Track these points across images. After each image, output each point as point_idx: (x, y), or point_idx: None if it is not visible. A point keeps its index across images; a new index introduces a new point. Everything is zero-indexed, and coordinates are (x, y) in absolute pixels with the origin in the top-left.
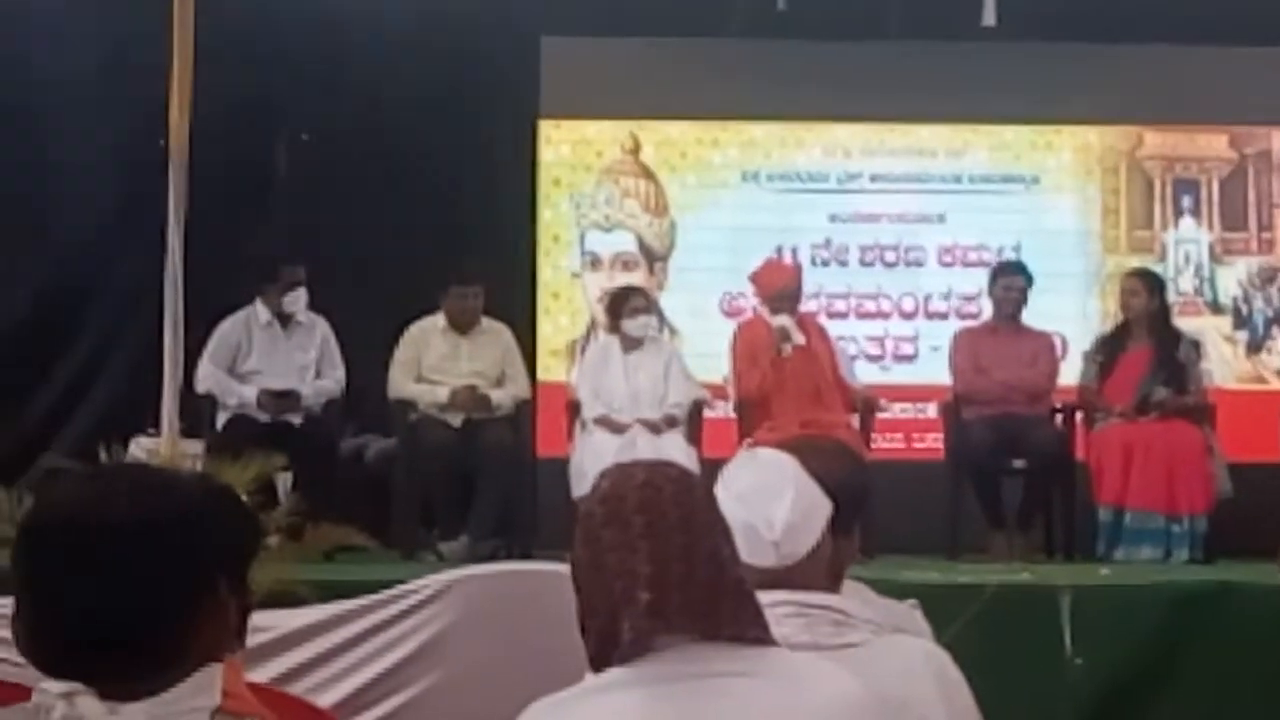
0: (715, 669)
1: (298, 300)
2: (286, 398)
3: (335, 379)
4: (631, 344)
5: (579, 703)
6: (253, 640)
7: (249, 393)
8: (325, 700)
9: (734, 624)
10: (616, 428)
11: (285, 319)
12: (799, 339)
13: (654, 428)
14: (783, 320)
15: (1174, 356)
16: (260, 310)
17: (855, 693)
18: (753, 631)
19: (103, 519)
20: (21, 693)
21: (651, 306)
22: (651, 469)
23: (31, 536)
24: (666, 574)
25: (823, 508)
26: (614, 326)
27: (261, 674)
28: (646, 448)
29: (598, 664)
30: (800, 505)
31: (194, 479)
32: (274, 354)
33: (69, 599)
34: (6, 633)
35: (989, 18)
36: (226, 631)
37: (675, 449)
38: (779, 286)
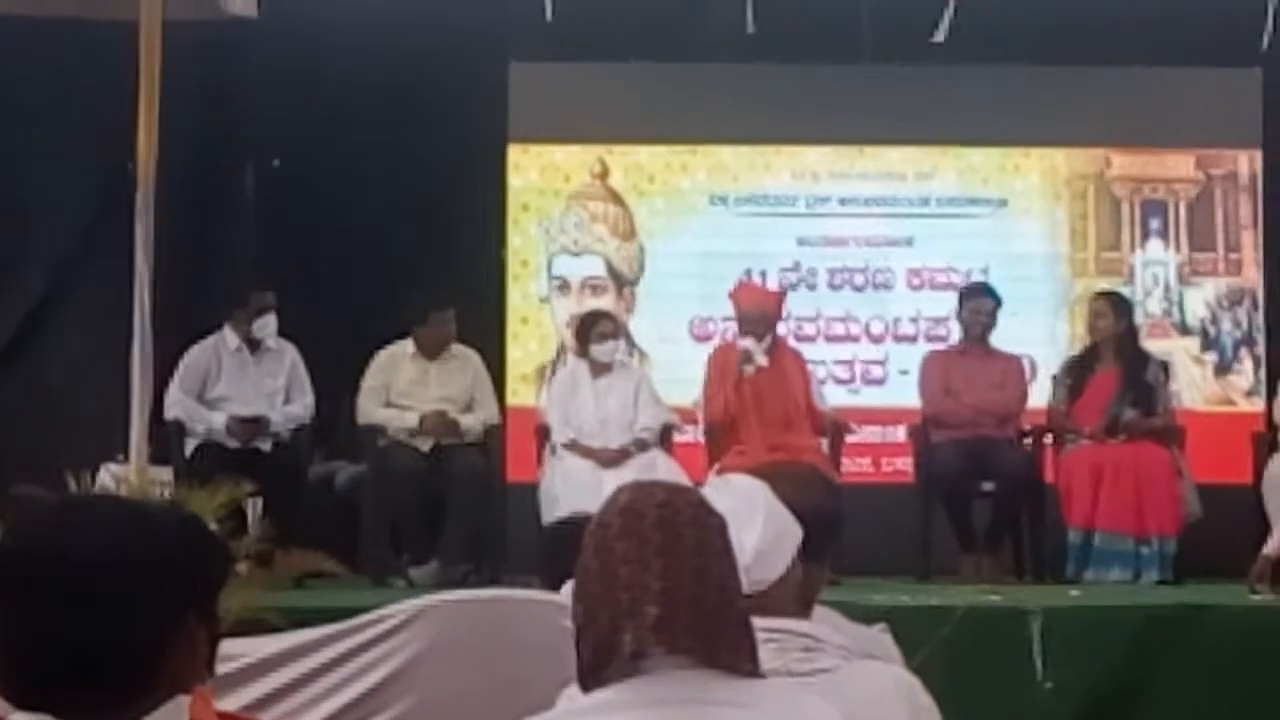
0: (712, 697)
1: (267, 326)
2: (255, 424)
3: (304, 405)
4: (600, 369)
5: None
6: (222, 668)
7: (218, 419)
8: None
9: (732, 654)
10: (588, 452)
11: (254, 345)
12: (761, 361)
13: (624, 453)
14: (747, 343)
15: (1142, 378)
16: (229, 336)
17: None
18: (748, 665)
19: (73, 550)
20: None
21: (619, 331)
22: (672, 490)
23: (0, 566)
24: (677, 593)
25: (793, 534)
26: (582, 351)
27: (232, 701)
28: (616, 472)
29: (588, 677)
30: (770, 531)
31: (164, 508)
32: (243, 380)
33: (38, 630)
34: None
35: (940, 35)
36: (196, 662)
37: (647, 471)
38: (750, 307)
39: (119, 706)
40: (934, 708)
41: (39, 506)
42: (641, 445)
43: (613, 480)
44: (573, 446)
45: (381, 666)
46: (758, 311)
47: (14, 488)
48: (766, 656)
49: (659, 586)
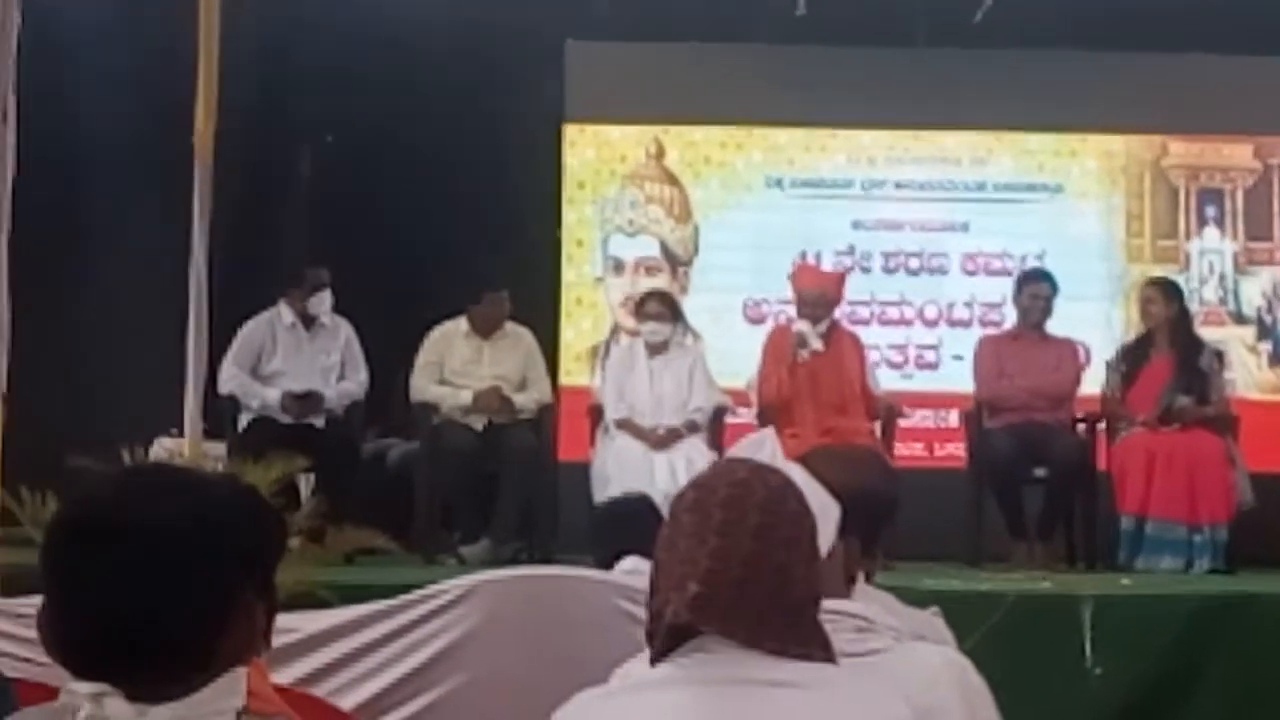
0: (767, 676)
1: (322, 303)
2: (309, 399)
3: (358, 381)
4: (656, 348)
5: (628, 696)
6: (276, 642)
7: (272, 395)
8: (348, 703)
9: (778, 640)
10: (639, 432)
11: (309, 321)
12: (816, 344)
13: (676, 433)
14: (802, 325)
15: (1196, 366)
16: (284, 312)
17: (903, 715)
18: (800, 648)
19: (134, 520)
20: (48, 693)
21: (668, 313)
22: (754, 470)
23: (62, 537)
24: (724, 574)
25: (830, 512)
26: (636, 329)
27: (284, 675)
28: (667, 454)
29: (648, 640)
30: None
31: (222, 480)
32: (297, 356)
33: (99, 600)
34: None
35: (978, 16)
36: (254, 634)
37: (697, 455)
38: (810, 289)
39: (177, 677)
40: (985, 689)
41: (100, 478)
42: (692, 427)
43: (663, 461)
44: (625, 425)
45: (433, 642)
46: (817, 293)
47: (69, 460)
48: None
49: (707, 565)
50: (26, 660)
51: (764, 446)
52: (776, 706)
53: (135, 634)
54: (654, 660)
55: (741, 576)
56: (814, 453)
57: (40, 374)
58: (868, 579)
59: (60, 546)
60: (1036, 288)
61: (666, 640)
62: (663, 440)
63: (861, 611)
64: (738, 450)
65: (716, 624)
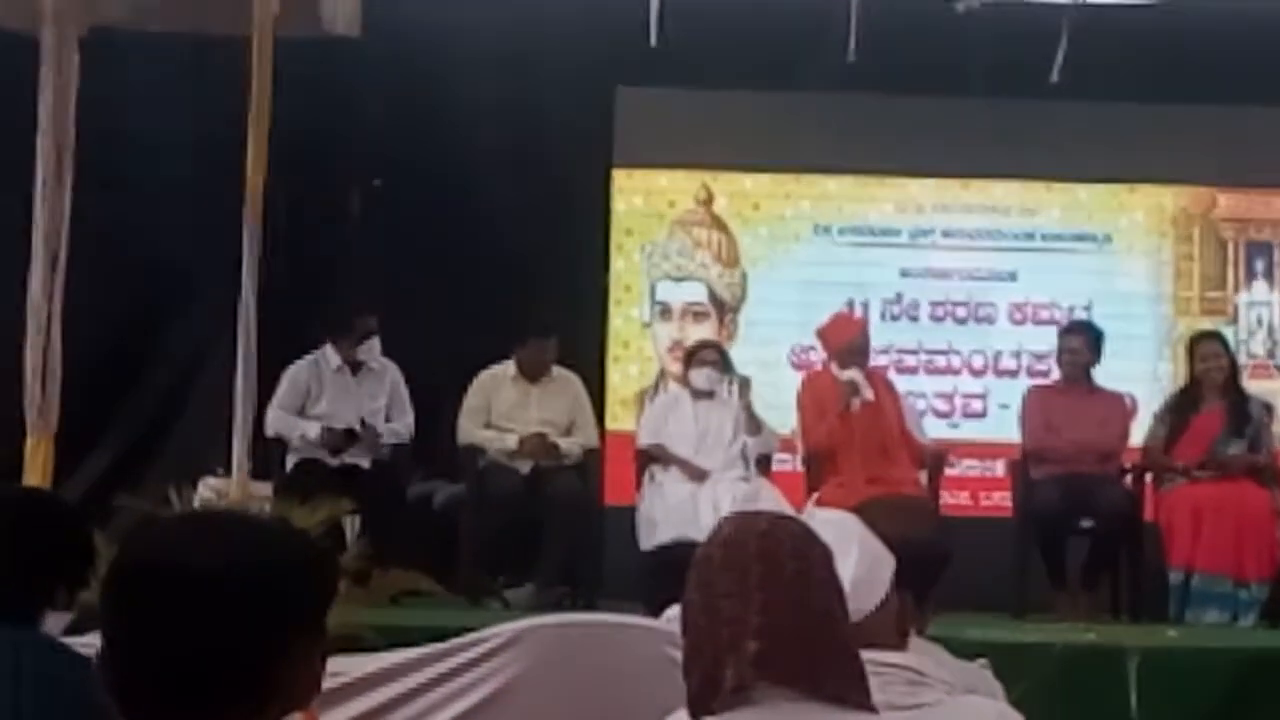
0: None
1: (371, 350)
2: (348, 435)
3: (405, 424)
4: (702, 394)
5: None
6: (324, 685)
7: (312, 429)
8: None
9: (837, 684)
10: (674, 461)
11: (356, 366)
12: (868, 394)
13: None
14: (852, 374)
15: (1247, 417)
16: (330, 355)
17: None
18: (855, 695)
19: (193, 565)
20: None
21: (721, 361)
22: (774, 520)
23: (122, 580)
24: (777, 626)
25: (886, 564)
26: (684, 376)
27: (332, 719)
28: (713, 497)
29: (695, 709)
30: (865, 562)
31: (280, 525)
32: (344, 398)
33: (157, 644)
34: None
35: (1054, 76)
36: (309, 679)
37: (742, 496)
38: (846, 341)
39: None
40: None
41: (159, 521)
42: (733, 466)
43: (708, 504)
44: (660, 454)
45: (480, 688)
46: (860, 342)
47: (116, 499)
48: (871, 689)
49: (759, 621)
50: None
51: (760, 496)
52: None
53: (194, 677)
54: (696, 718)
55: (795, 625)
56: (869, 504)
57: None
58: (919, 632)
59: (119, 590)
60: (1072, 342)
61: (730, 701)
62: (701, 474)
63: (913, 664)
64: (740, 506)
65: (780, 678)
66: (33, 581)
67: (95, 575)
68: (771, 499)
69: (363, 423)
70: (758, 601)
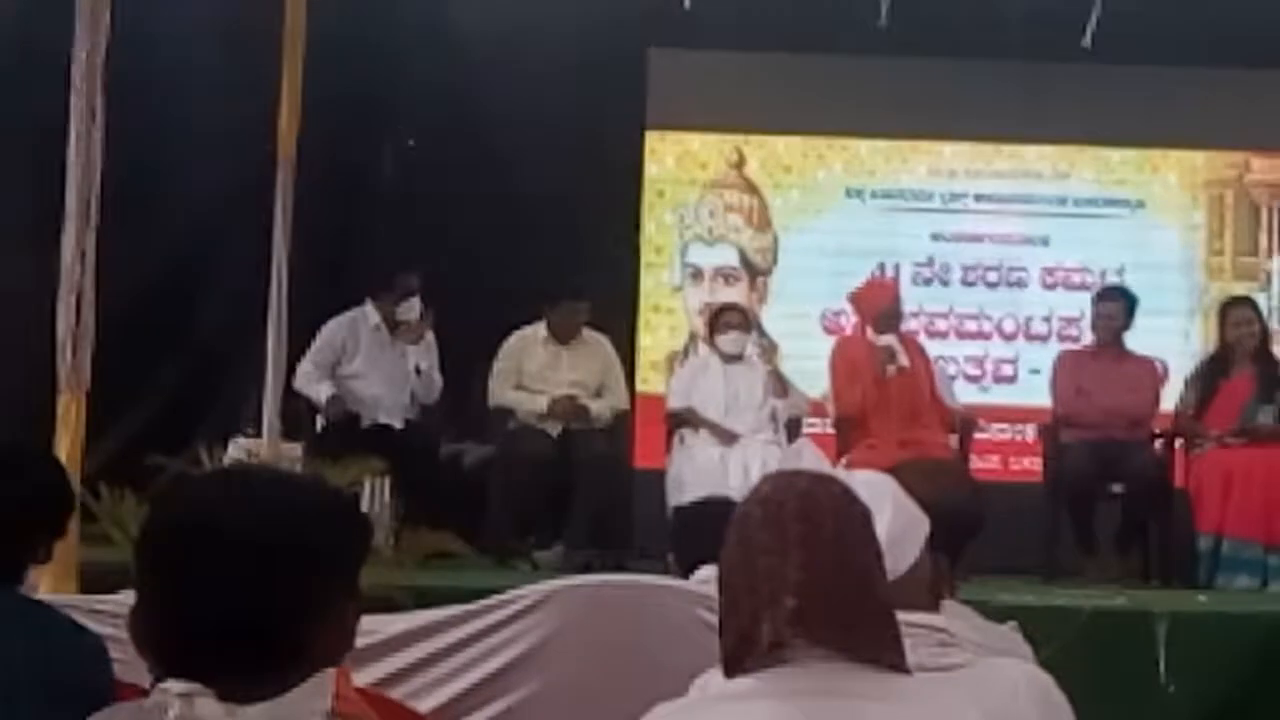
0: (851, 689)
1: (412, 309)
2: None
3: (435, 387)
4: (730, 358)
5: (708, 709)
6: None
7: (325, 391)
8: (425, 705)
9: (873, 646)
10: (703, 424)
11: (394, 325)
12: (904, 360)
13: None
14: (888, 340)
15: (1277, 383)
16: (370, 313)
17: None
18: (889, 657)
19: (233, 519)
20: (136, 691)
21: (747, 323)
22: (814, 479)
23: (159, 535)
24: (816, 584)
25: (920, 525)
26: (710, 341)
27: (363, 677)
28: (743, 460)
29: (731, 665)
30: (899, 523)
31: (315, 483)
32: (379, 358)
33: (196, 599)
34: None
35: (1086, 40)
36: (344, 634)
37: (772, 459)
38: (881, 307)
39: (271, 676)
40: (1066, 706)
41: (193, 478)
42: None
43: (738, 466)
44: (690, 416)
45: (510, 648)
46: (892, 306)
47: (149, 459)
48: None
49: (797, 578)
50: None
51: (803, 456)
52: (859, 719)
53: (230, 633)
54: (730, 675)
55: (832, 585)
56: (903, 466)
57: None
58: (950, 594)
59: (155, 544)
60: (1108, 307)
61: (760, 659)
62: (730, 438)
63: (944, 625)
64: (781, 464)
65: (816, 636)
66: (12, 536)
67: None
68: (813, 458)
69: (418, 370)
70: (797, 559)
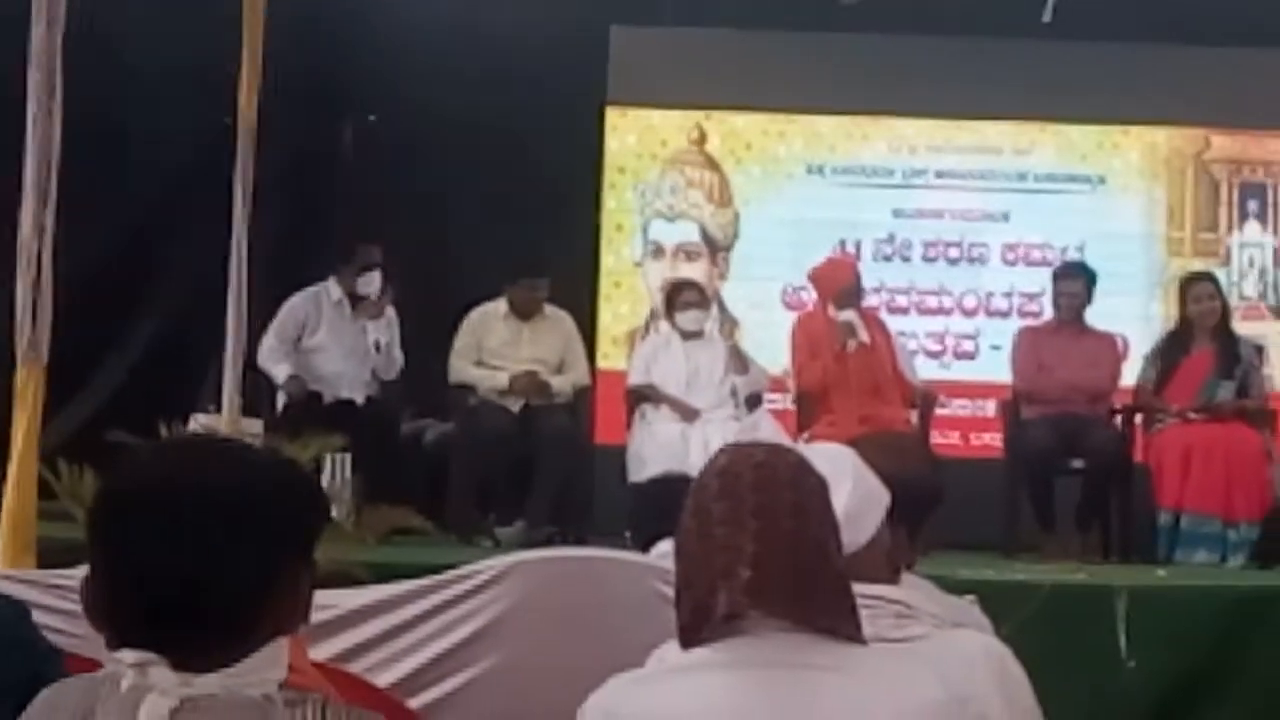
0: (807, 660)
1: (372, 282)
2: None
3: (396, 363)
4: (690, 335)
5: (664, 680)
6: (314, 618)
7: (282, 372)
8: (383, 679)
9: (828, 616)
10: (666, 400)
11: (356, 299)
12: (864, 336)
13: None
14: (848, 316)
15: (1238, 359)
16: (332, 288)
17: (941, 700)
18: (846, 628)
19: (180, 488)
20: (84, 664)
21: (706, 300)
22: (771, 451)
23: (109, 504)
24: (771, 555)
25: (880, 498)
26: (669, 318)
27: (322, 652)
28: (703, 436)
29: (687, 635)
30: (858, 495)
31: (265, 452)
32: (341, 333)
33: (146, 567)
34: (69, 604)
35: (1047, 15)
36: (297, 604)
37: (732, 435)
38: (840, 284)
39: (224, 645)
40: (1024, 678)
41: (145, 447)
42: (723, 405)
43: (699, 441)
44: (651, 392)
45: (469, 622)
46: (850, 283)
47: (107, 434)
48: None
49: (753, 549)
50: (61, 632)
51: (760, 427)
52: (815, 689)
53: (182, 601)
54: (686, 646)
55: (789, 556)
56: (863, 439)
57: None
58: (909, 568)
59: (107, 514)
60: (1069, 285)
61: (721, 627)
62: (692, 413)
63: (902, 598)
64: (739, 436)
65: (772, 607)
66: None
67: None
68: (771, 430)
69: (377, 346)
70: (752, 530)
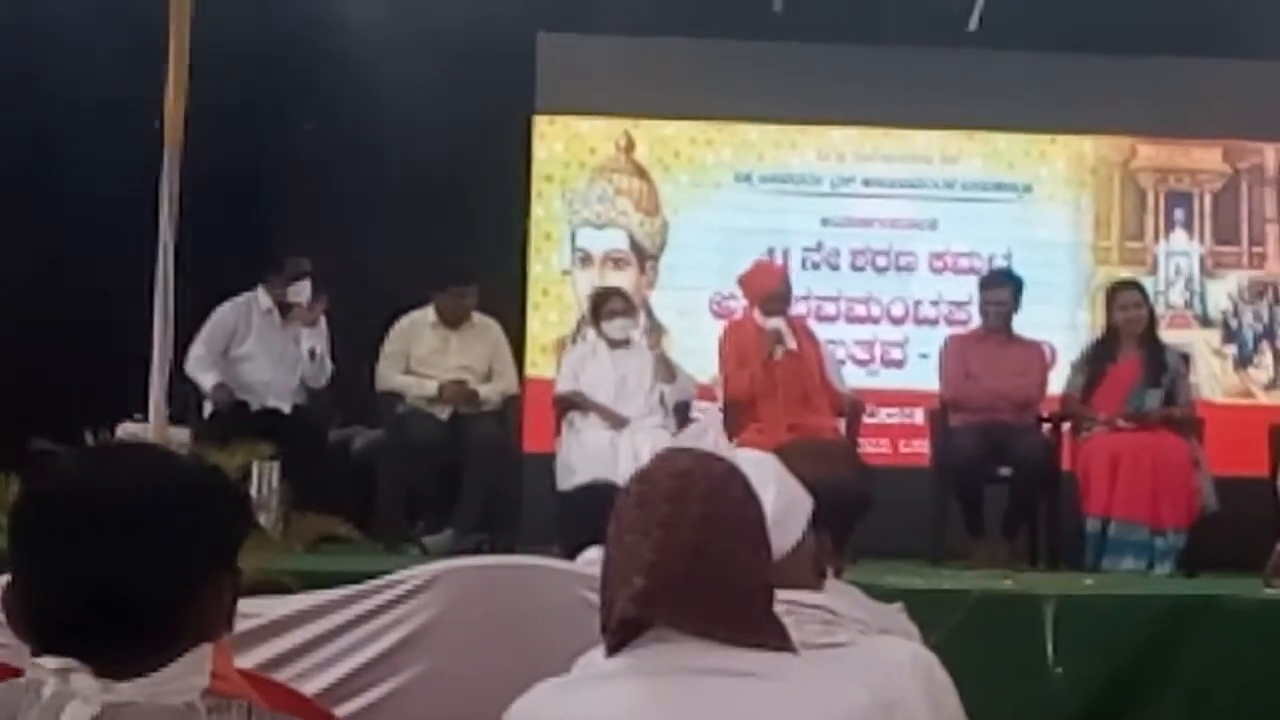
0: (728, 667)
1: (302, 291)
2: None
3: (326, 371)
4: (617, 343)
5: (586, 686)
6: (239, 626)
7: (208, 381)
8: (310, 688)
9: (732, 629)
10: (593, 409)
11: (285, 309)
12: (791, 343)
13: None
14: (776, 323)
15: (1164, 367)
16: (261, 297)
17: (865, 705)
18: (755, 638)
19: (100, 494)
20: (10, 672)
21: (631, 309)
22: (698, 459)
23: (29, 511)
24: (668, 566)
25: (803, 505)
26: (595, 327)
27: (247, 660)
28: (632, 444)
29: (603, 632)
30: (781, 502)
31: (189, 458)
32: (270, 342)
33: (66, 574)
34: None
35: (973, 24)
36: (220, 612)
37: (661, 443)
38: (769, 289)
39: (146, 651)
40: (950, 685)
41: (66, 454)
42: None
43: (628, 450)
44: (579, 400)
45: (395, 630)
46: (781, 290)
47: (33, 443)
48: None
49: (650, 558)
50: None
51: (706, 435)
52: (733, 695)
53: (103, 607)
54: (610, 652)
55: (686, 568)
56: (789, 446)
57: (4, 357)
58: (837, 574)
59: (28, 520)
60: (995, 294)
61: (618, 634)
62: (615, 420)
63: (827, 604)
64: (681, 440)
65: (664, 616)
66: None
67: None
68: (712, 440)
69: (311, 353)
70: (655, 539)
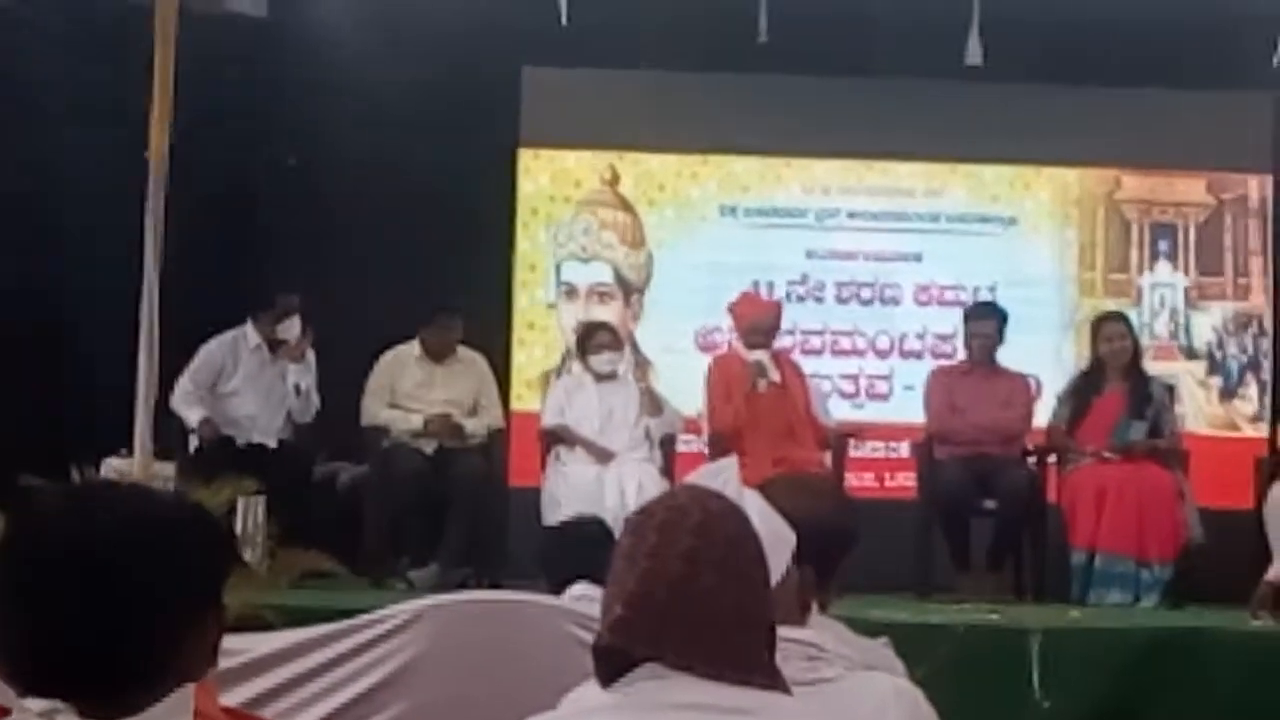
0: (710, 703)
1: (292, 328)
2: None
3: (313, 406)
4: (603, 376)
5: None
6: (224, 664)
7: (194, 416)
8: None
9: (717, 663)
10: (579, 442)
11: (274, 345)
12: (774, 376)
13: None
14: (759, 356)
15: (1149, 399)
16: (250, 333)
17: None
18: (742, 674)
19: (88, 536)
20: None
21: (618, 342)
22: (697, 496)
23: (15, 549)
24: (649, 598)
25: (787, 540)
26: (582, 361)
27: (232, 697)
28: (618, 478)
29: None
30: (763, 537)
31: (174, 497)
32: (258, 378)
33: (53, 614)
34: None
35: (973, 57)
36: (205, 650)
37: (647, 478)
38: (756, 320)
39: (130, 691)
40: (935, 718)
41: (49, 494)
42: (638, 448)
43: (614, 484)
44: (565, 434)
45: (380, 668)
46: (768, 322)
47: (20, 479)
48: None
49: (632, 588)
50: None
51: (720, 475)
52: None
53: (87, 648)
54: (602, 685)
55: (667, 600)
56: (773, 481)
57: None
58: (822, 609)
59: (11, 559)
60: (981, 325)
61: (600, 664)
62: (601, 454)
63: (813, 639)
64: (696, 478)
65: (640, 647)
66: None
67: None
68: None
69: (298, 389)
70: (640, 570)
